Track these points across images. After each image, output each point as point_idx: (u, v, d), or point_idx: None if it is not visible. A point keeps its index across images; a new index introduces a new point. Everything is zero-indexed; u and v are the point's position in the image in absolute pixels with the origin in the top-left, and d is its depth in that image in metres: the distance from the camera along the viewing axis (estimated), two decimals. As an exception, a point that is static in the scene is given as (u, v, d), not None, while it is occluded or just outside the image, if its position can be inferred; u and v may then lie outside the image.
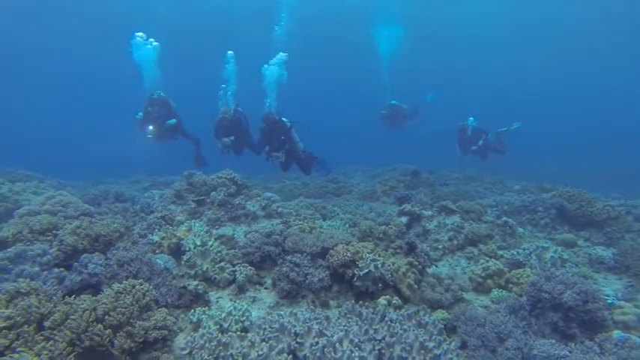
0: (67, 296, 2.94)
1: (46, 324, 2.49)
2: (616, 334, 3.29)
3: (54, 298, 2.79)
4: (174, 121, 8.71)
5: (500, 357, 3.07)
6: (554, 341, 3.03)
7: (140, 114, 8.58)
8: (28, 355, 2.14)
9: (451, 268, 4.76)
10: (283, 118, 7.82)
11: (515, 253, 4.75)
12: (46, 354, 2.20)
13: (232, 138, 7.98)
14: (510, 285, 4.25)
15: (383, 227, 4.88)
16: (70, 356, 2.31)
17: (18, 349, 2.17)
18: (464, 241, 5.00)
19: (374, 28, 20.59)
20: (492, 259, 4.54)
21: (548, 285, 3.38)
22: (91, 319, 2.64)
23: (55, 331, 2.43)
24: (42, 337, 2.34)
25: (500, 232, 5.39)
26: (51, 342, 2.31)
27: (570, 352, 2.85)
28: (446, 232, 5.22)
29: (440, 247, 5.06)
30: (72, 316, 2.62)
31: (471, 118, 11.01)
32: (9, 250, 3.40)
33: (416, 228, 5.45)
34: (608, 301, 3.83)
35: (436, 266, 4.55)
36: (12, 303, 2.52)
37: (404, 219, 5.49)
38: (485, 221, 5.68)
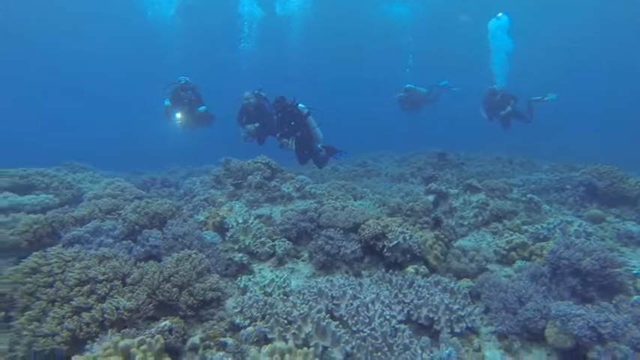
0: (137, 262, 3.47)
1: (128, 281, 3.00)
2: (636, 297, 3.49)
3: (129, 262, 3.30)
4: (204, 107, 8.61)
5: (520, 317, 3.35)
6: (570, 302, 3.28)
7: (167, 101, 8.35)
8: (123, 299, 2.65)
9: (476, 242, 5.02)
10: (300, 105, 7.42)
11: (539, 227, 4.94)
12: (134, 301, 2.71)
13: (257, 125, 7.66)
14: (534, 257, 4.47)
15: (410, 204, 5.18)
16: (150, 305, 2.81)
17: (115, 296, 2.69)
18: (489, 217, 5.23)
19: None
20: (516, 233, 4.76)
21: (567, 252, 3.61)
22: (160, 279, 3.13)
23: (135, 287, 2.93)
24: (127, 290, 2.85)
25: (525, 209, 5.57)
26: (135, 293, 2.81)
27: (586, 311, 3.10)
28: (471, 209, 5.45)
29: (465, 223, 5.32)
30: (146, 276, 3.12)
31: (498, 81, 10.67)
32: (88, 225, 3.98)
33: (442, 205, 5.72)
34: (634, 272, 4.00)
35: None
36: (101, 264, 3.05)
37: (431, 197, 5.76)
38: (510, 199, 5.86)
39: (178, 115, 8.31)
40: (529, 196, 5.83)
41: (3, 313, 2.72)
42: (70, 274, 2.85)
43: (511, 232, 4.82)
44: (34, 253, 3.13)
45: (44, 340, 2.37)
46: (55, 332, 2.41)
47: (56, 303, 2.63)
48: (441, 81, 13.80)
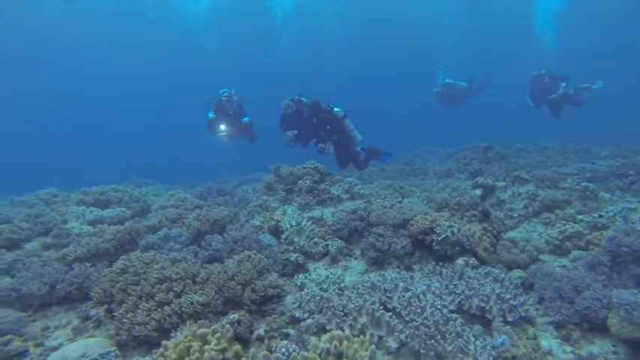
0: (203, 264, 3.87)
1: (197, 280, 3.38)
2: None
3: (197, 264, 3.69)
4: (248, 118, 8.66)
5: (578, 307, 3.30)
6: (634, 290, 3.19)
7: (211, 114, 8.41)
8: (196, 295, 3.02)
9: (527, 233, 4.94)
10: (335, 108, 7.49)
11: (596, 216, 4.78)
12: (205, 297, 3.07)
13: (296, 132, 7.62)
14: (591, 246, 4.34)
15: (458, 199, 5.22)
16: (219, 301, 3.17)
17: (188, 293, 3.07)
18: (539, 207, 5.12)
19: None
20: (570, 223, 4.65)
21: (627, 239, 3.51)
22: (225, 278, 3.49)
23: (204, 285, 3.30)
24: (198, 287, 3.22)
25: (580, 197, 5.38)
26: (205, 290, 3.18)
27: (651, 298, 3.00)
28: (520, 200, 5.37)
29: (515, 215, 5.25)
30: (212, 276, 3.49)
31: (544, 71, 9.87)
32: (159, 232, 4.48)
33: (490, 199, 5.67)
34: None
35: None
36: (174, 265, 3.46)
37: (478, 191, 5.74)
38: (562, 188, 5.68)
39: (222, 127, 8.42)
40: (584, 184, 5.61)
41: (106, 306, 3.22)
42: (151, 274, 3.28)
43: (564, 222, 4.70)
44: (121, 257, 3.63)
45: (139, 328, 2.81)
46: (146, 322, 2.83)
47: (142, 298, 3.06)
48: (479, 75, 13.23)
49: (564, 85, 9.45)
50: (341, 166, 7.87)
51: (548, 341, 3.22)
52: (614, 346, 3.05)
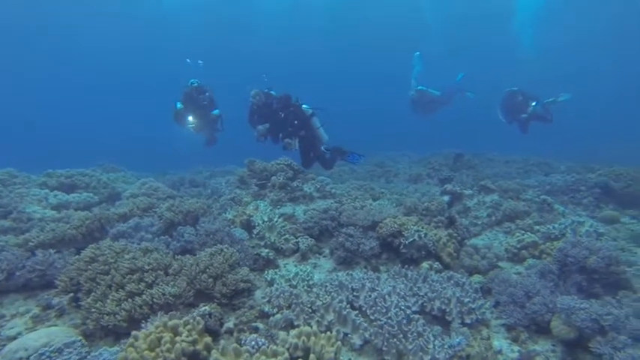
0: (175, 255, 3.87)
1: (169, 271, 3.39)
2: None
3: (169, 255, 3.70)
4: (218, 111, 8.35)
5: (528, 310, 3.59)
6: (576, 297, 3.50)
7: (179, 104, 8.03)
8: (167, 287, 3.04)
9: (489, 241, 5.24)
10: (304, 105, 7.32)
11: (551, 227, 5.13)
12: (177, 289, 3.10)
13: (267, 126, 7.37)
14: (544, 255, 4.67)
15: (426, 204, 5.45)
16: (190, 292, 3.20)
17: (160, 284, 3.09)
18: (502, 217, 5.45)
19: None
20: (528, 233, 4.97)
21: (573, 250, 3.83)
22: (197, 270, 3.52)
23: (176, 276, 3.32)
24: (170, 279, 3.24)
25: (538, 209, 5.75)
26: (177, 282, 3.20)
27: (590, 305, 3.31)
28: (485, 209, 5.68)
29: (479, 222, 5.55)
30: (184, 268, 3.51)
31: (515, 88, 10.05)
32: (130, 221, 4.42)
33: (457, 205, 5.96)
34: None
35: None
36: (145, 256, 3.46)
37: (446, 197, 6.01)
38: (523, 199, 6.05)
39: (191, 119, 8.08)
40: (542, 197, 6.00)
41: (71, 295, 3.16)
42: (122, 264, 3.27)
43: (523, 232, 5.02)
44: (90, 245, 3.57)
45: (108, 317, 2.80)
46: (116, 312, 2.82)
47: (112, 287, 3.04)
48: (458, 75, 13.09)
49: (534, 104, 9.72)
50: (305, 164, 7.71)
51: (499, 342, 3.47)
52: (553, 345, 3.36)
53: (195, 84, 8.13)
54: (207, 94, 8.16)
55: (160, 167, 13.97)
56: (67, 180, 6.44)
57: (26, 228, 5.07)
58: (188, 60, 10.50)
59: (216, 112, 8.38)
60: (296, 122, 7.20)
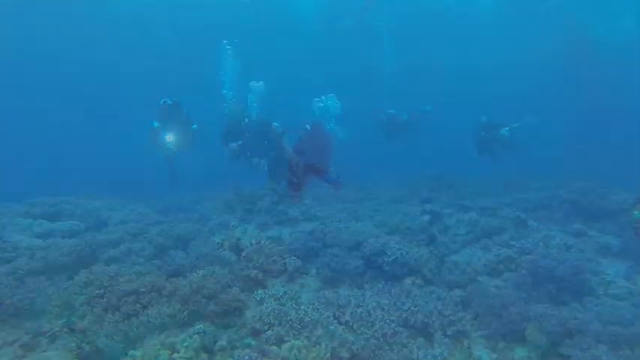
0: (168, 278, 3.98)
1: (164, 293, 3.51)
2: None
3: (162, 277, 3.82)
4: (196, 126, 7.69)
5: (504, 320, 3.82)
6: (547, 305, 3.76)
7: (156, 123, 7.42)
8: (163, 307, 3.16)
9: (468, 257, 5.50)
10: (274, 123, 6.67)
11: (524, 242, 5.44)
12: (171, 310, 3.22)
13: (240, 143, 6.64)
14: (519, 268, 4.94)
15: (408, 224, 5.72)
16: (185, 312, 3.32)
17: (155, 305, 3.20)
18: (479, 233, 5.74)
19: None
20: (504, 248, 5.26)
21: (543, 261, 4.12)
22: (190, 292, 3.64)
23: (170, 297, 3.44)
24: (164, 300, 3.36)
25: (513, 225, 6.08)
26: (171, 302, 3.32)
27: (559, 311, 3.58)
28: (464, 226, 5.97)
29: (459, 239, 5.81)
30: (178, 290, 3.63)
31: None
32: (121, 246, 4.51)
33: (437, 224, 6.23)
34: (607, 279, 4.50)
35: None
36: (139, 279, 3.57)
37: (426, 217, 6.29)
38: (499, 216, 6.39)
39: (169, 138, 7.43)
40: (517, 214, 6.35)
41: (64, 320, 3.23)
42: (117, 287, 3.38)
43: (499, 247, 5.31)
44: (83, 270, 3.67)
45: (105, 339, 2.89)
46: (113, 333, 2.92)
47: (109, 310, 3.14)
48: (425, 106, 12.40)
49: (502, 131, 9.44)
50: (272, 185, 7.17)
51: (480, 351, 3.68)
52: (529, 351, 3.57)
53: (170, 102, 7.44)
54: (183, 108, 7.52)
55: (140, 193, 13.67)
56: (50, 208, 6.45)
57: (10, 257, 5.05)
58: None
59: (194, 126, 7.62)
60: (266, 142, 6.62)
